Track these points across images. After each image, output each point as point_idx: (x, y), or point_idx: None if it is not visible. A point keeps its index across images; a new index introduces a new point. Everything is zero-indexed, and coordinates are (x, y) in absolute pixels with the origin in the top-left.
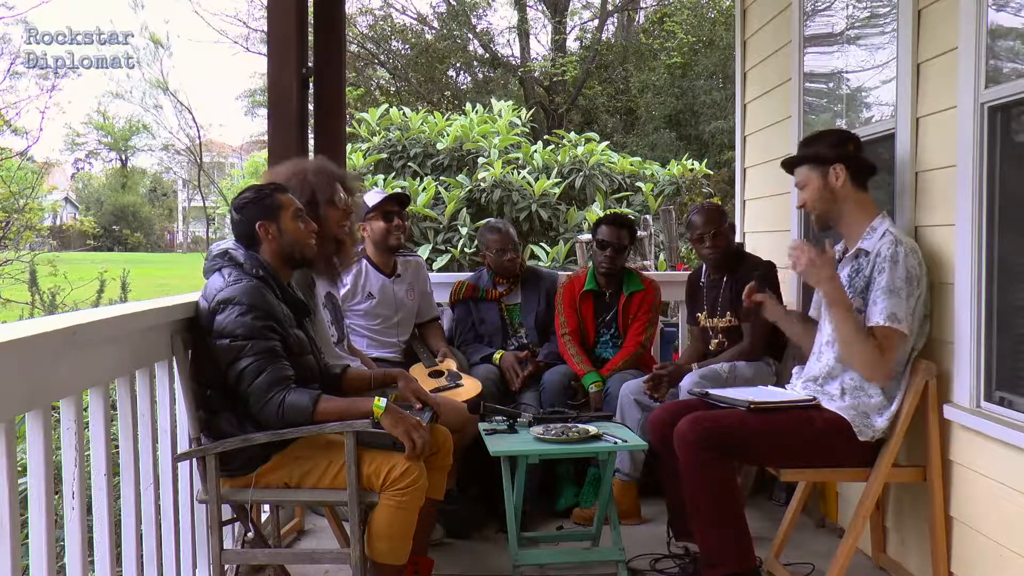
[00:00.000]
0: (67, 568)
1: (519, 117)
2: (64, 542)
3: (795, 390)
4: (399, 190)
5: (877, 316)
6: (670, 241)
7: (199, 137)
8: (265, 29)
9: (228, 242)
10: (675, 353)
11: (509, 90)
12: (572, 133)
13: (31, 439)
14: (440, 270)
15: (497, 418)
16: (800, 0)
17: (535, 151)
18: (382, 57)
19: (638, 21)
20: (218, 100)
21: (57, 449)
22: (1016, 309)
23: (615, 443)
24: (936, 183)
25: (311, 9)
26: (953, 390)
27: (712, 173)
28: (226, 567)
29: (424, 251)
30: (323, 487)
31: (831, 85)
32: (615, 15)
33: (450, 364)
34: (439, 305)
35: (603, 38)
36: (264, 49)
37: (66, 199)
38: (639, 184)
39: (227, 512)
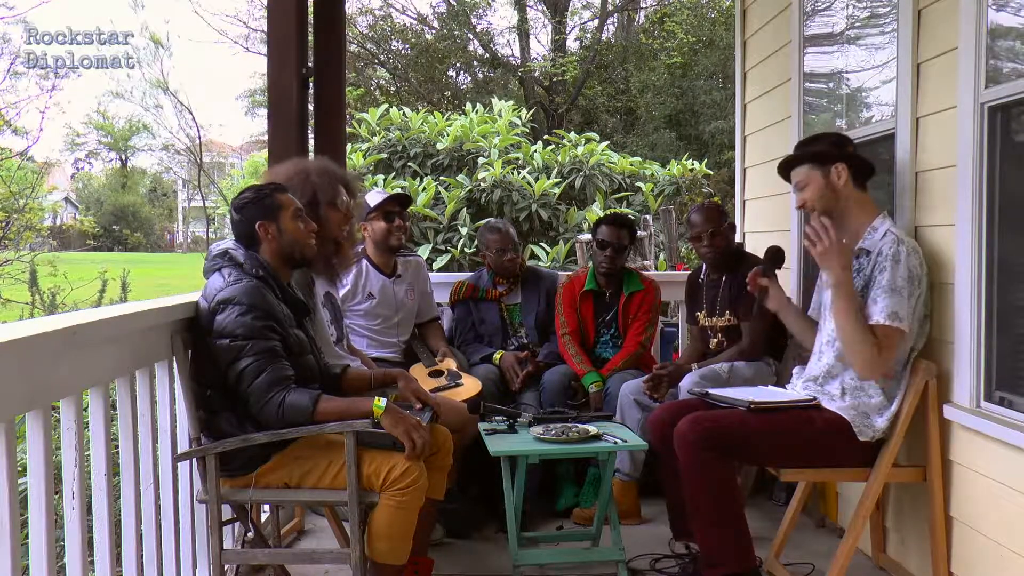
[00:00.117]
0: (67, 568)
1: (519, 117)
2: (64, 542)
3: (795, 390)
4: (399, 190)
5: (878, 314)
6: (670, 241)
7: (199, 137)
8: (265, 29)
9: (228, 242)
10: (675, 353)
11: (509, 90)
12: (572, 133)
13: (31, 439)
14: (440, 270)
15: (497, 418)
16: (800, 0)
17: (535, 151)
18: (382, 57)
19: (638, 21)
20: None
21: (57, 449)
22: (1016, 309)
23: (615, 443)
24: (936, 183)
25: (311, 9)
26: (953, 390)
27: (712, 173)
28: (226, 567)
29: (424, 251)
30: (323, 487)
31: (831, 85)
32: (615, 15)
33: (450, 364)
34: (439, 305)
35: (603, 38)
36: (264, 49)
37: (66, 199)
38: (639, 184)
39: (227, 512)
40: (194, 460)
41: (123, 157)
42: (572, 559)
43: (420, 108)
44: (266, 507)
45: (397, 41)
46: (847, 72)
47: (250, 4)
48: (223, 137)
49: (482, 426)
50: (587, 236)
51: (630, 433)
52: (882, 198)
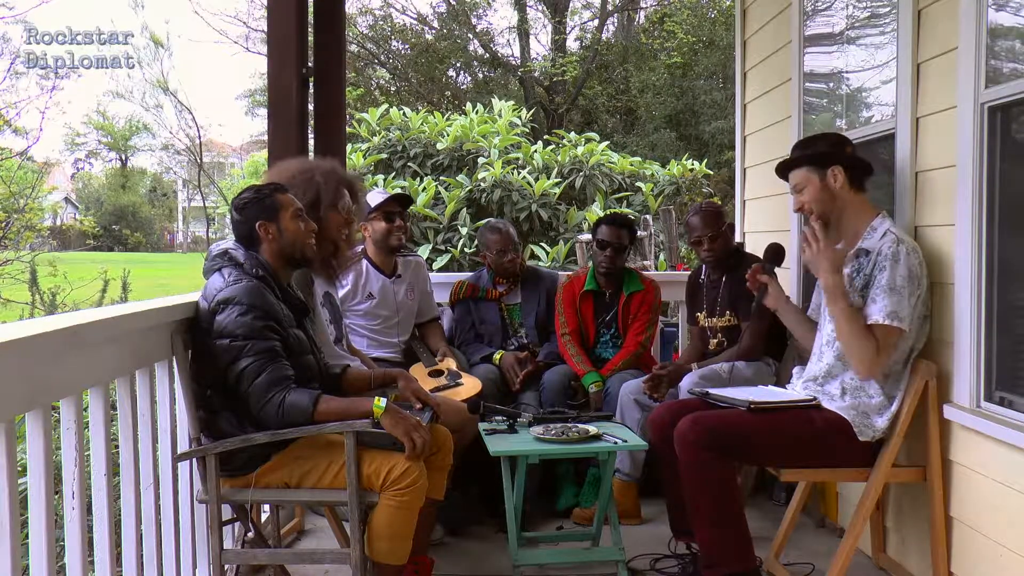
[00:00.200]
0: (67, 568)
1: (519, 117)
2: (64, 542)
3: (795, 390)
4: (400, 190)
5: (877, 314)
6: (670, 241)
7: (199, 137)
8: (265, 29)
9: (228, 242)
10: (675, 353)
11: (509, 90)
12: (572, 133)
13: (31, 439)
14: (440, 270)
15: (497, 418)
16: (800, 0)
17: (535, 151)
18: (382, 57)
19: (638, 21)
20: (218, 100)
21: (57, 449)
22: (1016, 309)
23: (615, 443)
24: (936, 183)
25: (311, 9)
26: (953, 390)
27: (712, 173)
28: (226, 567)
29: (424, 251)
30: (323, 487)
31: (831, 85)
32: (615, 15)
33: (450, 364)
34: (439, 305)
35: (603, 38)
36: (264, 49)
37: (66, 199)
38: (639, 184)
39: (227, 512)
40: (194, 460)
41: (123, 157)
42: (572, 559)
43: (420, 108)
44: (266, 507)
45: (397, 41)
46: (847, 72)
47: (250, 4)
48: (223, 137)
49: (482, 426)
50: (587, 236)
51: (630, 433)
52: (882, 198)
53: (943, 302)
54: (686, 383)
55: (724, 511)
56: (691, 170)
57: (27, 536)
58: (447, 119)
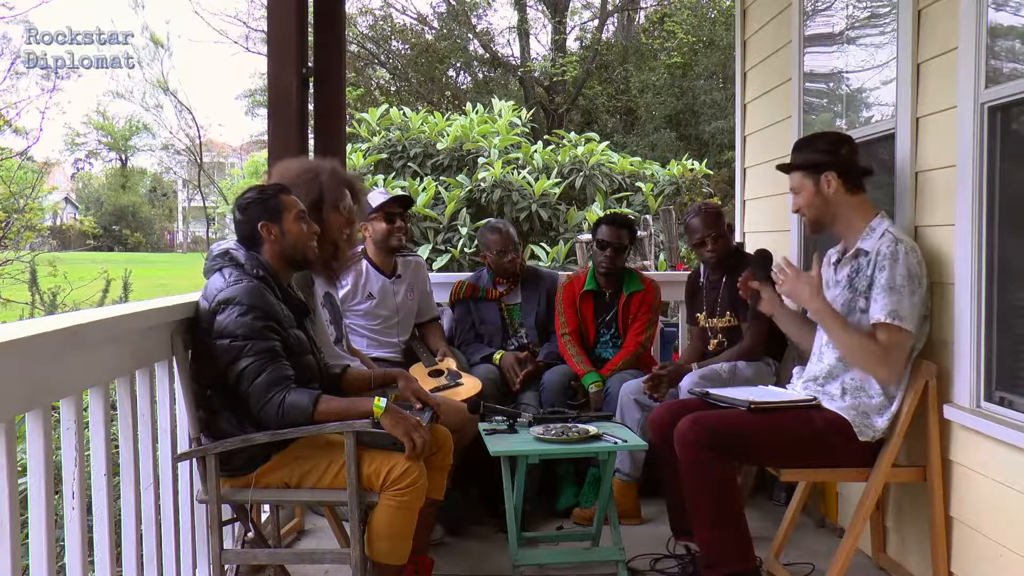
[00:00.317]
0: (67, 568)
1: (519, 117)
2: (64, 542)
3: (795, 390)
4: (400, 191)
5: (878, 313)
6: (670, 241)
7: (199, 137)
8: (265, 29)
9: (229, 242)
10: (675, 353)
11: (509, 90)
12: (572, 133)
13: (31, 439)
14: (440, 270)
15: (497, 418)
16: (800, 0)
17: (535, 151)
18: (382, 57)
19: (638, 21)
20: (218, 100)
21: (57, 449)
22: (1016, 309)
23: (615, 443)
24: (936, 183)
25: (311, 9)
26: (953, 390)
27: (712, 173)
28: (226, 567)
29: (424, 251)
30: (323, 487)
31: (831, 85)
32: (615, 15)
33: (450, 364)
34: (439, 305)
35: (603, 38)
36: (264, 49)
37: (66, 199)
38: (639, 184)
39: (227, 512)
40: (194, 460)
41: (123, 157)
42: (572, 559)
43: (420, 108)
44: (266, 507)
45: (397, 41)
46: (847, 72)
47: (250, 4)
48: (223, 137)
49: (482, 426)
50: (587, 236)
51: (630, 433)
52: (882, 198)
53: (943, 302)
54: (686, 383)
55: (724, 511)
56: (691, 170)
57: (27, 536)
58: (447, 119)
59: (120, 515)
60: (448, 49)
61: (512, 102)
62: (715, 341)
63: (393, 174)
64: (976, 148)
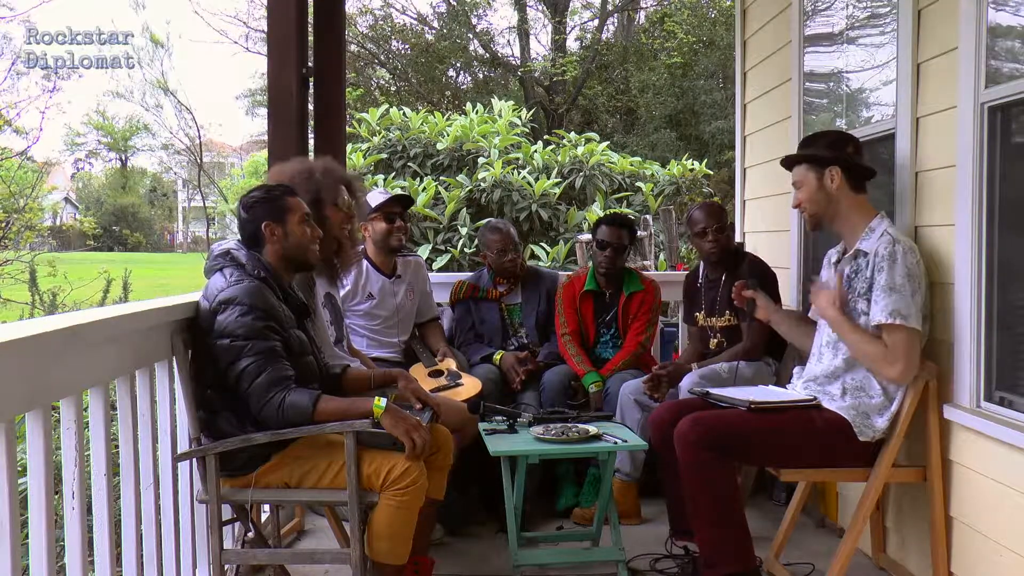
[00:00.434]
0: (67, 568)
1: (519, 117)
2: (64, 542)
3: (795, 389)
4: (400, 191)
5: (879, 315)
6: (670, 241)
7: (199, 137)
8: (265, 29)
9: (230, 242)
10: (675, 353)
11: (509, 90)
12: (572, 133)
13: (31, 439)
14: (440, 270)
15: (497, 418)
16: (800, 0)
17: (535, 151)
18: (382, 57)
19: (638, 21)
20: (218, 100)
21: (57, 449)
22: (1016, 309)
23: (615, 443)
24: (936, 183)
25: (311, 9)
26: (953, 390)
27: (712, 173)
28: (226, 567)
29: (424, 251)
30: (323, 487)
31: (831, 85)
32: (615, 15)
33: (450, 364)
34: (439, 305)
35: (603, 38)
36: (264, 49)
37: (66, 199)
38: (639, 184)
39: (227, 512)
40: (194, 460)
41: (123, 157)
42: (572, 559)
43: (420, 108)
44: (266, 507)
45: (397, 41)
46: (847, 72)
47: (250, 4)
48: (223, 137)
49: (482, 426)
50: (587, 236)
51: (630, 433)
52: (882, 198)
53: (943, 302)
54: (686, 383)
55: (724, 511)
56: (691, 170)
57: (27, 536)
58: (447, 119)
59: (120, 515)
60: (448, 49)
61: (512, 102)
62: (714, 340)
63: (393, 174)
64: (976, 148)
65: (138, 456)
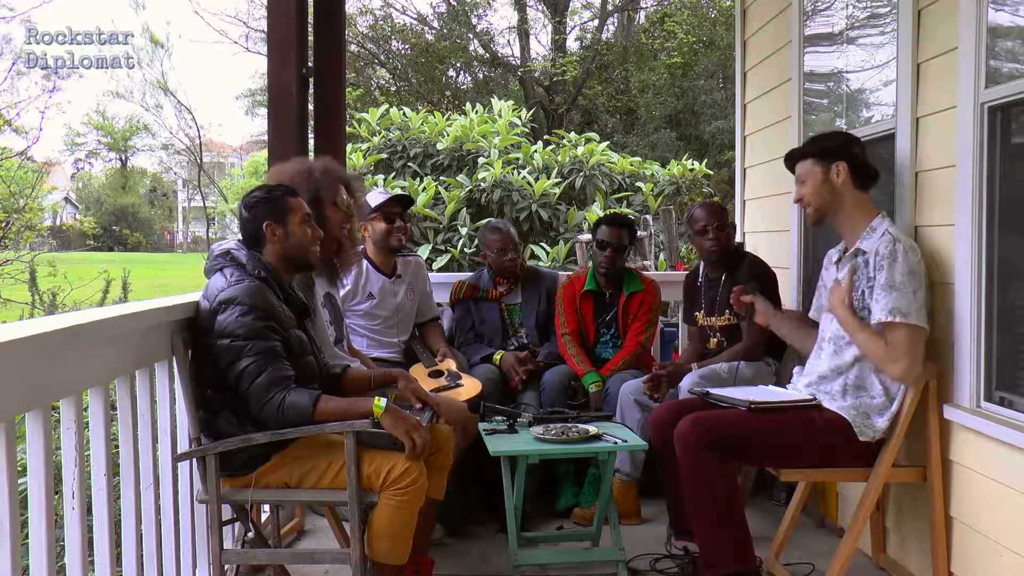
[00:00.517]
0: (67, 568)
1: (519, 117)
2: (64, 542)
3: (796, 389)
4: (400, 191)
5: (880, 313)
6: (670, 241)
7: (199, 137)
8: (265, 29)
9: (230, 242)
10: (675, 353)
11: (509, 90)
12: (572, 133)
13: (31, 439)
14: (440, 270)
15: (497, 418)
16: (800, 0)
17: (535, 151)
18: (382, 57)
19: (638, 21)
20: (218, 100)
21: (57, 449)
22: (1016, 309)
23: (615, 443)
24: (936, 183)
25: (311, 9)
26: (953, 390)
27: (712, 173)
28: (226, 567)
29: (424, 251)
30: (323, 487)
31: (831, 85)
32: (615, 15)
33: (450, 364)
34: (439, 305)
35: (603, 38)
36: (264, 49)
37: (66, 199)
38: (639, 184)
39: (227, 512)
40: (194, 460)
41: (123, 157)
42: (572, 559)
43: (420, 108)
44: (266, 507)
45: (397, 41)
46: (847, 72)
47: (250, 4)
48: (223, 137)
49: (482, 426)
50: (587, 236)
51: (630, 433)
52: (882, 198)
53: (943, 302)
54: (686, 383)
55: (724, 511)
56: (691, 170)
57: (27, 536)
58: (447, 119)
59: (120, 515)
60: (448, 49)
61: (512, 102)
62: (714, 340)
63: (393, 174)
64: (976, 148)
65: (138, 456)
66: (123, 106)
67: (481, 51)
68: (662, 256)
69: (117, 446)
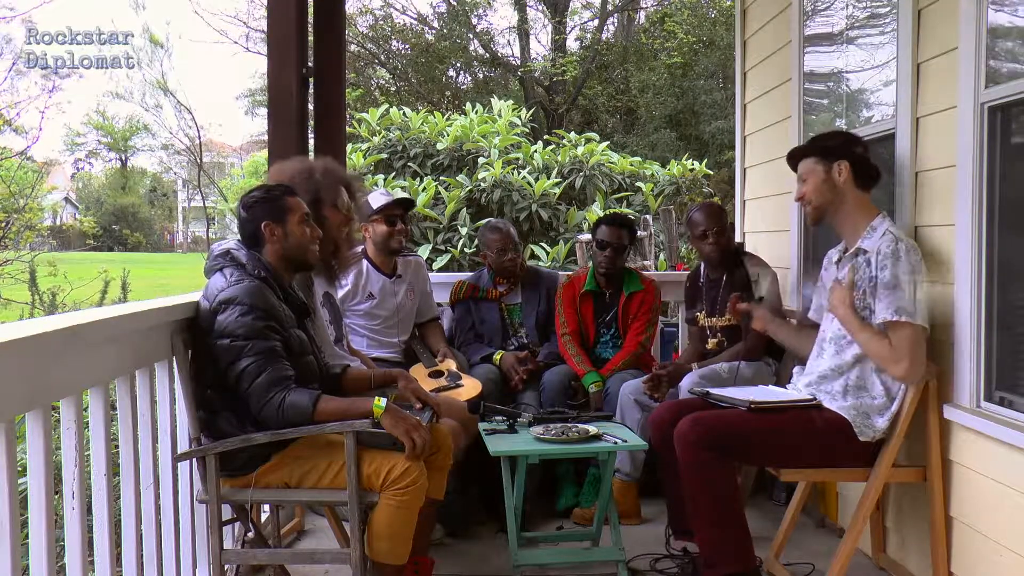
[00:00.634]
0: (67, 568)
1: (519, 117)
2: (64, 542)
3: (796, 388)
4: (400, 191)
5: (884, 312)
6: (670, 241)
7: (199, 137)
8: (265, 29)
9: (230, 242)
10: (675, 353)
11: (509, 90)
12: (572, 133)
13: (31, 439)
14: (440, 270)
15: (497, 418)
16: (800, 0)
17: (535, 151)
18: (382, 57)
19: (638, 21)
20: (218, 100)
21: (57, 449)
22: (1016, 309)
23: (615, 443)
24: (936, 183)
25: (311, 9)
26: (953, 390)
27: (712, 173)
28: (226, 567)
29: (424, 251)
30: (323, 487)
31: (831, 85)
32: (615, 15)
33: (450, 364)
34: (439, 305)
35: (603, 38)
36: (264, 49)
37: (66, 199)
38: (639, 184)
39: (227, 512)
40: (194, 460)
41: (123, 157)
42: (572, 559)
43: (420, 108)
44: (266, 507)
45: (397, 41)
46: (847, 72)
47: (250, 4)
48: (223, 137)
49: (482, 426)
50: (587, 236)
51: (630, 433)
52: (882, 198)
53: (943, 302)
54: (686, 383)
55: (724, 511)
56: (691, 170)
57: (27, 536)
58: (447, 119)
59: (120, 515)
60: (448, 49)
61: (512, 102)
62: (715, 340)
63: (393, 174)
64: (976, 148)
65: (138, 456)
66: (123, 106)
67: (481, 51)
68: (662, 256)
69: (117, 446)
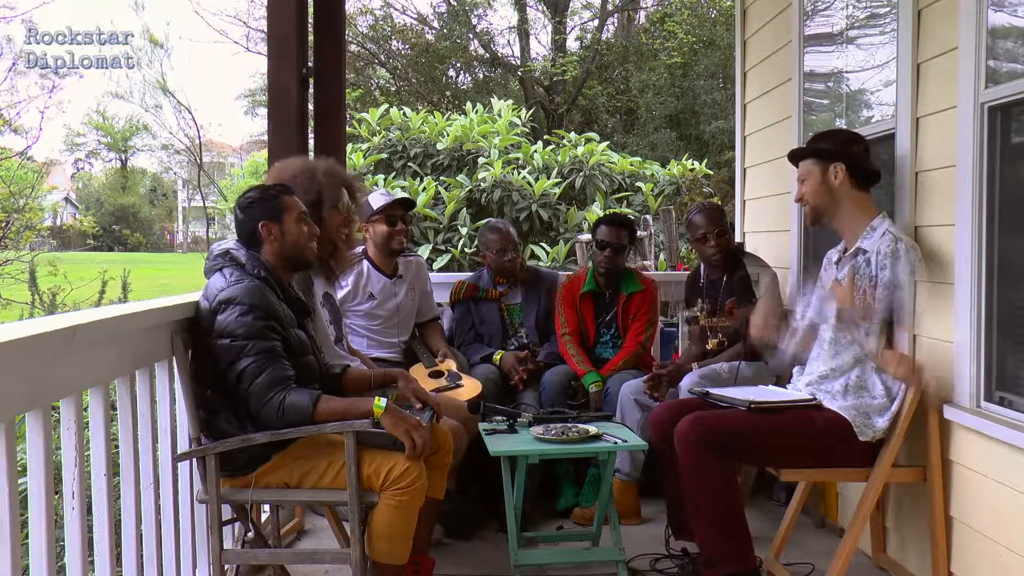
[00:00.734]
0: (67, 568)
1: (519, 117)
2: (64, 542)
3: (797, 388)
4: (400, 191)
5: (885, 312)
6: (670, 241)
7: (199, 137)
8: (265, 29)
9: (229, 242)
10: (675, 353)
11: (509, 90)
12: (572, 133)
13: (31, 439)
14: (440, 270)
15: (497, 418)
16: (800, 0)
17: (535, 151)
18: (382, 57)
19: (638, 21)
20: (218, 100)
21: (57, 449)
22: (1016, 309)
23: (615, 443)
24: (936, 183)
25: (311, 9)
26: (953, 390)
27: (712, 173)
28: (226, 567)
29: (424, 251)
30: (323, 487)
31: (831, 85)
32: (615, 15)
33: (450, 364)
34: (439, 305)
35: (603, 38)
36: (264, 49)
37: (66, 199)
38: (639, 184)
39: (227, 512)
40: (194, 460)
41: (123, 157)
42: (572, 559)
43: (420, 108)
44: (266, 507)
45: (397, 41)
46: (847, 72)
47: (250, 4)
48: (223, 137)
49: (482, 426)
50: (587, 236)
51: (630, 433)
52: (882, 198)
53: (943, 302)
54: (686, 383)
55: (724, 511)
56: (691, 170)
57: (27, 536)
58: (447, 119)
59: (120, 515)
60: (448, 49)
61: (512, 102)
62: (715, 340)
63: (393, 174)
64: (976, 148)
65: (138, 456)
66: (123, 106)
67: (481, 51)
68: (662, 256)
69: (117, 446)
